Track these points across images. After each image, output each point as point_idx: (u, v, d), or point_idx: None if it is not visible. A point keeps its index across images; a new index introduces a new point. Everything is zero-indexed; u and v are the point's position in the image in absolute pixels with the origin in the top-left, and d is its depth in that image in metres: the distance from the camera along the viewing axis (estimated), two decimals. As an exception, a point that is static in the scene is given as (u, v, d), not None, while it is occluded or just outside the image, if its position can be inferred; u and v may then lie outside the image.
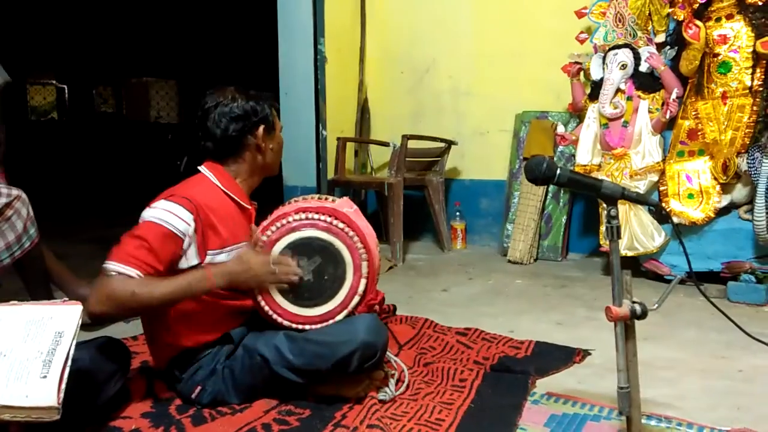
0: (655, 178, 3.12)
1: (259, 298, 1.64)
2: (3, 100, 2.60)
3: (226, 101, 1.66)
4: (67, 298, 1.42)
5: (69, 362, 1.26)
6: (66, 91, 8.93)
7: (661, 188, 3.10)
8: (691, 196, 3.00)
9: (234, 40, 8.56)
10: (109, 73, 9.19)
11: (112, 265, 1.44)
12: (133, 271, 1.44)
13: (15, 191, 2.31)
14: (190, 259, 1.55)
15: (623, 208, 3.09)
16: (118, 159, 8.49)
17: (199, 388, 1.63)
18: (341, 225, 1.65)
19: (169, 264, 1.51)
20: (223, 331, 1.66)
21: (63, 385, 1.23)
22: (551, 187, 3.80)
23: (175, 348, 1.63)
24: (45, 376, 1.23)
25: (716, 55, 2.88)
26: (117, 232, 1.53)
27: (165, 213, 1.51)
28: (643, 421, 1.46)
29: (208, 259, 1.57)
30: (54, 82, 8.84)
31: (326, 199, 1.77)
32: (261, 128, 1.70)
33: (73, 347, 1.29)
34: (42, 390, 1.22)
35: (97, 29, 8.34)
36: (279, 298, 1.65)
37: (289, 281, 1.60)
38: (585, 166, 3.32)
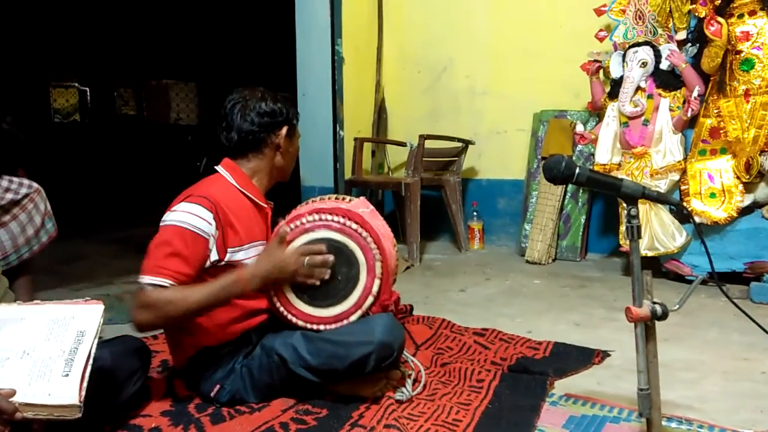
0: (676, 177, 3.08)
1: (275, 299, 1.66)
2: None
3: (255, 98, 1.70)
4: (89, 298, 1.44)
5: (91, 361, 1.28)
6: (88, 93, 9.07)
7: (683, 187, 3.06)
8: (713, 195, 2.95)
9: (252, 41, 8.62)
10: (129, 76, 9.31)
11: (146, 279, 1.47)
12: (166, 281, 1.47)
13: (35, 185, 2.38)
14: (212, 257, 1.57)
15: (643, 207, 3.05)
16: (139, 160, 8.60)
17: (217, 386, 1.64)
18: (354, 226, 1.66)
19: (200, 265, 1.54)
20: (242, 330, 1.67)
21: (85, 384, 1.25)
22: (570, 187, 3.77)
23: (194, 347, 1.64)
24: (67, 375, 1.25)
25: (738, 52, 2.84)
26: (138, 233, 1.56)
27: (186, 215, 1.53)
28: (664, 423, 1.44)
29: (227, 257, 1.59)
30: (76, 84, 8.97)
31: (343, 199, 1.77)
32: (284, 129, 1.73)
33: (94, 346, 1.31)
34: (64, 388, 1.24)
35: (118, 32, 8.46)
36: (294, 299, 1.66)
37: (323, 266, 1.59)
38: (605, 165, 3.29)
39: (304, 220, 1.65)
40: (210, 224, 1.54)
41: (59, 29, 7.97)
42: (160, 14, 8.44)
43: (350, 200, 1.77)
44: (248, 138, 1.69)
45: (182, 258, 1.49)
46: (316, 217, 1.66)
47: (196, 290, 1.50)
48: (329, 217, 1.66)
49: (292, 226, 1.64)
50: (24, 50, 7.73)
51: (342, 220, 1.66)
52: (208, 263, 1.56)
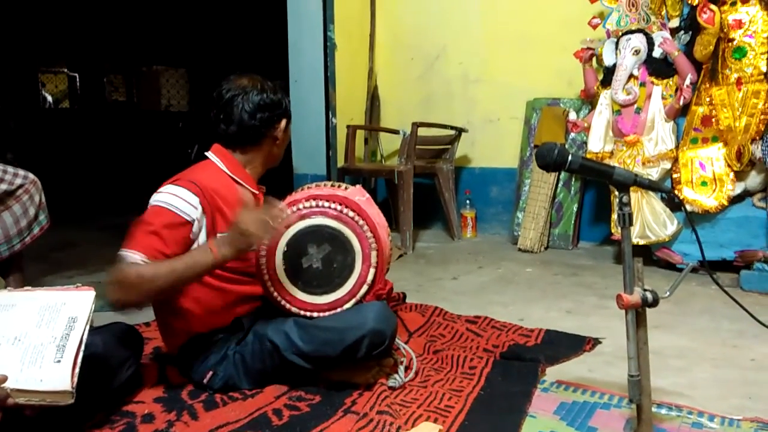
0: (668, 165, 3.09)
1: (269, 284, 1.66)
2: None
3: (255, 90, 1.65)
4: (80, 284, 1.43)
5: (82, 347, 1.28)
6: (77, 79, 8.96)
7: (674, 176, 3.07)
8: (704, 183, 2.97)
9: (243, 27, 8.53)
10: (119, 62, 9.21)
11: (122, 253, 1.46)
12: (139, 256, 1.45)
13: (31, 176, 2.35)
14: (200, 241, 1.56)
15: (635, 195, 3.07)
16: (129, 147, 8.53)
17: (210, 373, 1.64)
18: (351, 213, 1.66)
19: (180, 249, 1.51)
20: (234, 317, 1.67)
21: (77, 370, 1.25)
22: (562, 175, 3.77)
23: (186, 334, 1.64)
24: (59, 361, 1.25)
25: (731, 40, 2.84)
26: (129, 220, 1.55)
27: (170, 197, 1.52)
28: (654, 409, 1.46)
29: None
30: (65, 70, 8.86)
31: (339, 186, 1.77)
32: (284, 121, 1.71)
33: (86, 332, 1.30)
34: (56, 374, 1.23)
35: (108, 18, 8.35)
36: (289, 286, 1.66)
37: (281, 220, 1.51)
38: (597, 153, 3.29)
39: (300, 206, 1.65)
40: (195, 208, 1.53)
41: (48, 14, 7.85)
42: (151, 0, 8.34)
43: (346, 188, 1.77)
44: (248, 131, 1.65)
45: (159, 237, 1.48)
46: (313, 203, 1.66)
47: (167, 262, 1.46)
48: (326, 203, 1.66)
49: (289, 211, 1.64)
50: (12, 35, 7.61)
51: (339, 207, 1.66)
52: (196, 246, 1.55)
